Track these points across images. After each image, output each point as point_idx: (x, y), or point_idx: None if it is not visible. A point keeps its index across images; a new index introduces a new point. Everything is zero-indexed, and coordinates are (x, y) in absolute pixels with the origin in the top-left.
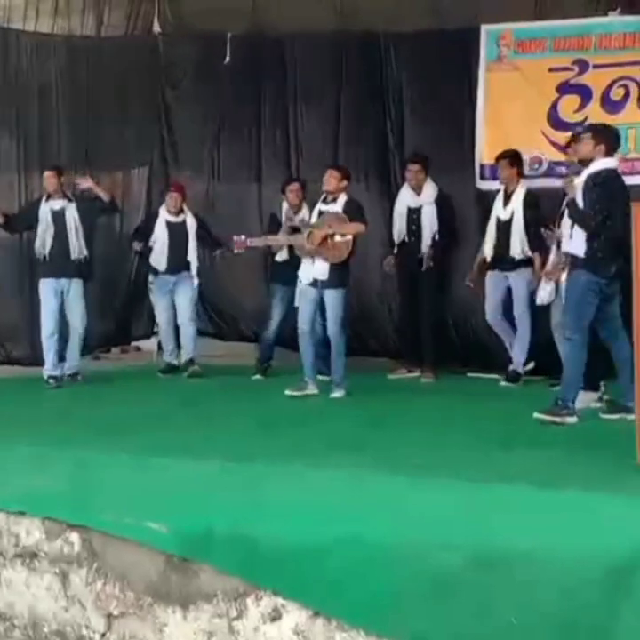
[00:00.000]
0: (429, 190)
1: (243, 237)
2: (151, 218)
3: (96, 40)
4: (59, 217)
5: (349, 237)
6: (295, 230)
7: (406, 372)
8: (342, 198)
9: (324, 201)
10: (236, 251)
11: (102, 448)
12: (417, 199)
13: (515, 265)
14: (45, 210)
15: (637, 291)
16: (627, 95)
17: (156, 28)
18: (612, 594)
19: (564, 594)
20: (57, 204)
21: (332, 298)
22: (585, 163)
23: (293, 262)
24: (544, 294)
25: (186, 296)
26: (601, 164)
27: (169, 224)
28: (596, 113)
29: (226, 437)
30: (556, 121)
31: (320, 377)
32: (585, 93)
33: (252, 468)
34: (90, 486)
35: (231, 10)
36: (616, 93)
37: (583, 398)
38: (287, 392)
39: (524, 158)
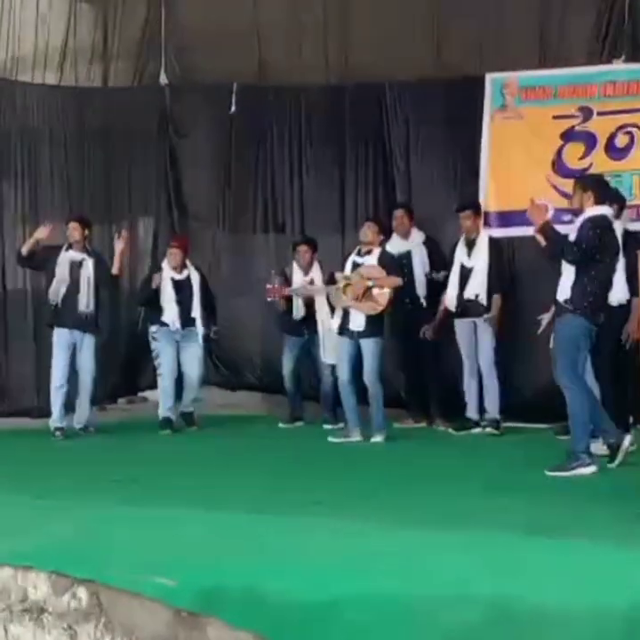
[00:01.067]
0: (416, 234)
1: (277, 285)
2: (153, 274)
3: (103, 91)
4: (75, 269)
5: (387, 290)
6: (331, 280)
7: (413, 423)
8: (376, 251)
9: (359, 253)
10: (269, 299)
11: (110, 501)
12: (405, 243)
13: (481, 311)
14: (65, 259)
15: None
16: (631, 142)
17: (163, 79)
18: None
19: None
20: (77, 256)
21: (369, 347)
22: (577, 213)
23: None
24: None
25: (194, 356)
26: (595, 210)
27: (174, 282)
28: (600, 160)
29: (236, 489)
30: (561, 168)
31: (326, 426)
32: (590, 140)
33: (262, 520)
34: (97, 540)
35: (236, 61)
36: (621, 140)
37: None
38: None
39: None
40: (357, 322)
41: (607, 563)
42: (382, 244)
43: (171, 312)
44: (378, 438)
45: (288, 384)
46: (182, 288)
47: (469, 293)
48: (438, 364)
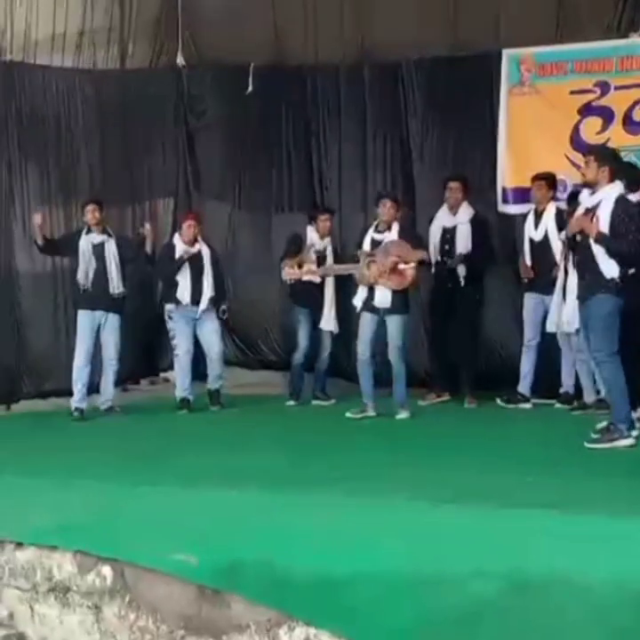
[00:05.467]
0: (465, 210)
1: (295, 269)
2: (168, 250)
3: (120, 73)
4: (99, 251)
5: (413, 264)
6: (354, 258)
7: (436, 398)
8: (395, 226)
9: (376, 230)
10: (287, 280)
11: (133, 480)
12: (452, 219)
13: (549, 286)
14: (86, 242)
15: None
16: None
17: (180, 61)
18: None
19: (598, 618)
20: (97, 237)
21: (395, 324)
22: (590, 186)
23: (314, 285)
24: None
25: (212, 329)
26: (615, 189)
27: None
28: (618, 134)
29: (255, 466)
30: (578, 143)
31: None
32: (607, 115)
33: (282, 496)
34: (121, 518)
35: (253, 41)
36: (638, 114)
37: None
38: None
39: None
40: (383, 298)
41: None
42: (399, 219)
43: (183, 287)
44: (403, 414)
45: (299, 358)
46: (194, 263)
47: (538, 266)
48: (476, 342)
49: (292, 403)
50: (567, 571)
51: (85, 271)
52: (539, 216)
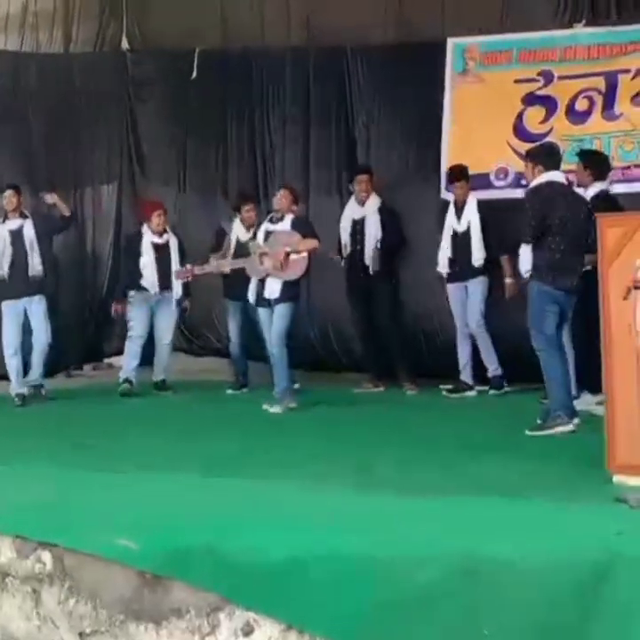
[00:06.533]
0: (373, 201)
1: (188, 266)
2: (133, 239)
3: (64, 56)
4: (16, 236)
5: (305, 254)
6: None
7: (372, 387)
8: (289, 217)
9: (271, 220)
10: (179, 280)
11: (72, 464)
12: (361, 210)
13: (473, 273)
14: (3, 230)
15: (605, 298)
16: (591, 106)
17: (125, 45)
18: (584, 596)
19: (541, 599)
20: (14, 223)
21: (279, 311)
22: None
23: (243, 277)
24: None
25: (169, 318)
26: (540, 178)
27: (155, 246)
28: (561, 124)
29: (197, 452)
30: (521, 132)
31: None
32: (550, 104)
33: (224, 481)
34: (60, 503)
35: (199, 26)
36: (581, 104)
37: (583, 400)
38: (265, 407)
39: (491, 169)
40: (273, 289)
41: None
42: (295, 211)
43: (150, 276)
44: (276, 409)
45: (234, 349)
46: (162, 252)
47: (475, 256)
48: (399, 326)
49: (231, 391)
50: (510, 554)
51: (0, 261)
52: (460, 208)
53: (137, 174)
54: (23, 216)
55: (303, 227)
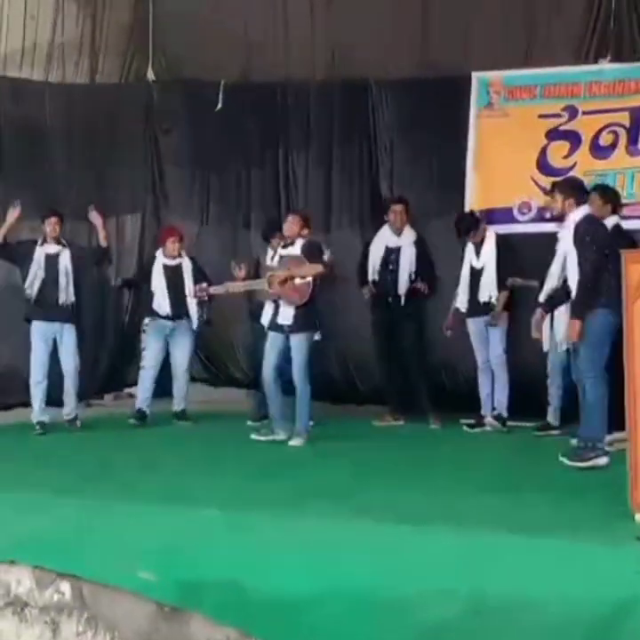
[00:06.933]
0: (409, 232)
1: (204, 285)
2: (147, 263)
3: (90, 86)
4: (52, 262)
5: (309, 279)
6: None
7: (392, 420)
8: (299, 241)
9: (284, 246)
10: (196, 298)
11: (93, 495)
12: (397, 240)
13: (492, 308)
14: (40, 253)
15: (629, 333)
16: (616, 141)
17: (150, 76)
18: (603, 636)
19: (554, 637)
20: (52, 248)
21: (297, 342)
22: (561, 218)
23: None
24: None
25: (185, 347)
26: (580, 212)
27: (166, 268)
28: (585, 159)
29: (218, 485)
30: (545, 167)
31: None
32: (574, 139)
33: (244, 515)
34: (80, 534)
35: (224, 58)
36: (605, 139)
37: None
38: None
39: (514, 203)
40: (286, 315)
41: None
42: (306, 235)
43: (161, 298)
44: (296, 442)
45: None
46: (173, 275)
47: (482, 294)
48: (425, 359)
49: (253, 423)
50: (525, 591)
51: (31, 281)
52: (479, 243)
53: (160, 205)
54: (62, 244)
55: (310, 251)
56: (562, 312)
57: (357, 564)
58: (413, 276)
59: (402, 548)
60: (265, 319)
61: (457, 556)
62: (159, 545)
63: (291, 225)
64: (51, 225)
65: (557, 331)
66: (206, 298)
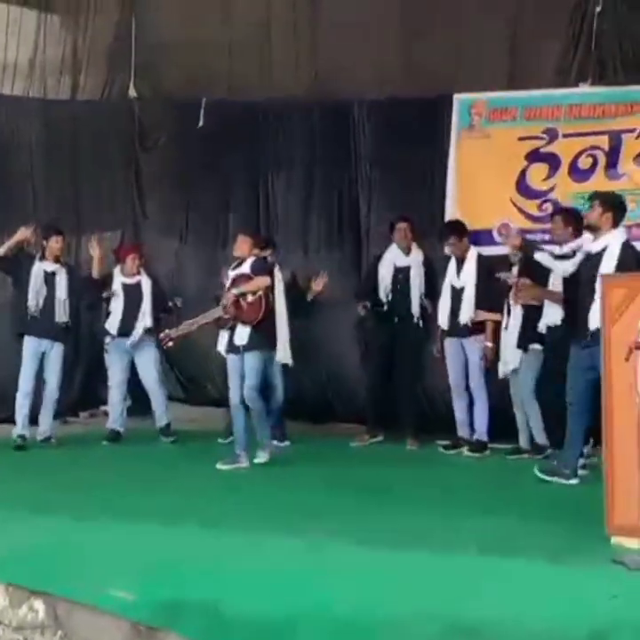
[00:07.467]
0: (417, 252)
1: (166, 331)
2: (105, 280)
3: (72, 103)
4: (50, 279)
5: (260, 294)
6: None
7: (369, 438)
8: (249, 260)
9: (235, 268)
10: (164, 347)
11: (67, 513)
12: (406, 259)
13: (471, 331)
14: (38, 269)
15: (607, 358)
16: (594, 164)
17: (132, 93)
18: None
19: None
20: (50, 266)
21: (250, 361)
22: (593, 229)
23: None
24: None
25: (148, 361)
26: (622, 234)
27: (124, 286)
28: (564, 181)
29: (193, 504)
30: (524, 189)
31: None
32: (554, 162)
33: (219, 535)
34: (55, 552)
35: (207, 76)
36: (584, 162)
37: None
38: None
39: (493, 225)
40: (242, 335)
41: (564, 582)
42: (257, 254)
43: (113, 317)
44: (261, 458)
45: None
46: (132, 293)
47: (463, 316)
48: (418, 381)
49: (222, 441)
50: (502, 616)
51: (36, 298)
52: (460, 262)
53: (140, 223)
54: (59, 263)
55: (258, 267)
56: (509, 340)
57: (334, 586)
58: (422, 297)
59: (383, 570)
60: (221, 346)
61: (432, 578)
62: (136, 564)
63: (240, 244)
64: (56, 242)
65: (504, 359)
66: (171, 344)
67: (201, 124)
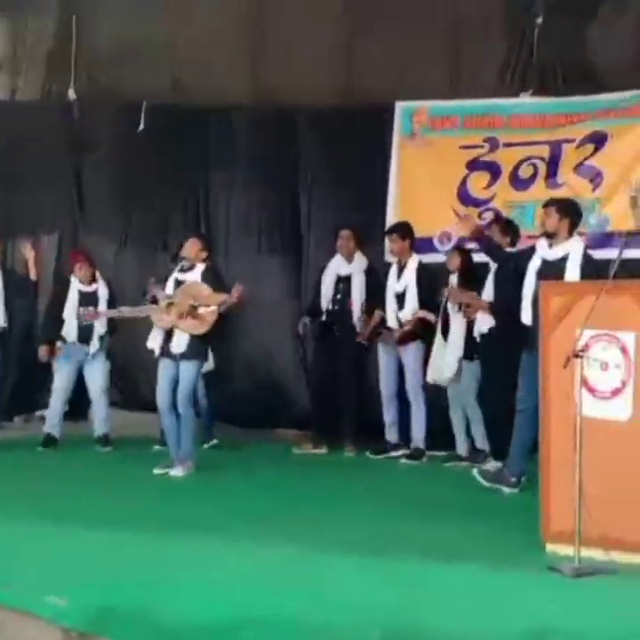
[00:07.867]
0: (360, 260)
1: (91, 309)
2: (62, 288)
3: (10, 104)
4: None
5: (214, 308)
6: (153, 301)
7: (312, 448)
8: (200, 267)
9: (181, 270)
10: (84, 322)
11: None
12: (348, 267)
13: (404, 339)
14: None
15: (545, 365)
16: (535, 173)
17: (71, 94)
18: None
19: None
20: None
21: (186, 370)
22: (551, 236)
23: None
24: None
25: (97, 370)
26: (580, 242)
27: (81, 294)
28: (504, 190)
29: (128, 509)
30: (465, 197)
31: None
32: (494, 171)
33: (155, 540)
34: None
35: (149, 80)
36: (525, 171)
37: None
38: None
39: (434, 233)
40: (180, 343)
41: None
42: (205, 260)
43: (68, 325)
44: (177, 471)
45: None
46: (88, 302)
47: (403, 317)
48: (359, 389)
49: (158, 447)
50: (438, 621)
51: None
52: (401, 268)
53: (79, 226)
54: None
55: (213, 279)
56: (452, 350)
57: (273, 593)
58: (363, 306)
59: (318, 575)
60: (153, 344)
61: (370, 585)
62: (68, 569)
63: (190, 246)
64: None
65: (436, 367)
66: (94, 320)
67: (142, 127)
